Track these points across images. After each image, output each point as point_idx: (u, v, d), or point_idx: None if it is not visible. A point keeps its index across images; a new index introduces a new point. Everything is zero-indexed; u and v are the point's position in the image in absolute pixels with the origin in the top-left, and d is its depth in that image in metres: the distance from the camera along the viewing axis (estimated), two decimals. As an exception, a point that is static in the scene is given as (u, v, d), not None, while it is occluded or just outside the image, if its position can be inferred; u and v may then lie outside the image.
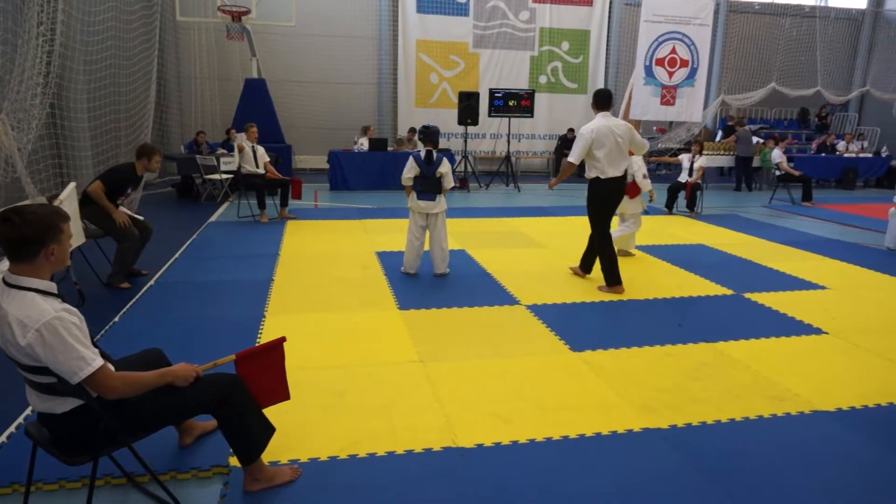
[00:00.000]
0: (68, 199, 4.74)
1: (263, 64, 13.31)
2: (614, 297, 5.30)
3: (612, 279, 5.43)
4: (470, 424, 3.10)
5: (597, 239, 5.58)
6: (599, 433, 3.04)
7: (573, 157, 5.29)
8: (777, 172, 12.03)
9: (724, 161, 14.30)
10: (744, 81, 16.57)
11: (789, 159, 12.56)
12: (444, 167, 5.68)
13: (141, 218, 5.63)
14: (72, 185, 4.81)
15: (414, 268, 5.88)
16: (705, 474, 2.72)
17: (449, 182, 5.74)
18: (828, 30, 17.01)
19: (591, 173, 5.37)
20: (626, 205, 6.51)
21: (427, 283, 5.67)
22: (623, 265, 5.79)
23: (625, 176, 5.40)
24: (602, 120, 5.26)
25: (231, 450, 2.52)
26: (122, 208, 5.42)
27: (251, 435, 2.45)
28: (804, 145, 16.57)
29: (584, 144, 5.22)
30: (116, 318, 4.54)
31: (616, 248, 5.92)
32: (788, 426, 3.17)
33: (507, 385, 3.57)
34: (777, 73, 16.38)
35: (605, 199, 5.40)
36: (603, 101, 5.33)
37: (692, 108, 14.22)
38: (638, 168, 6.65)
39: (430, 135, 5.75)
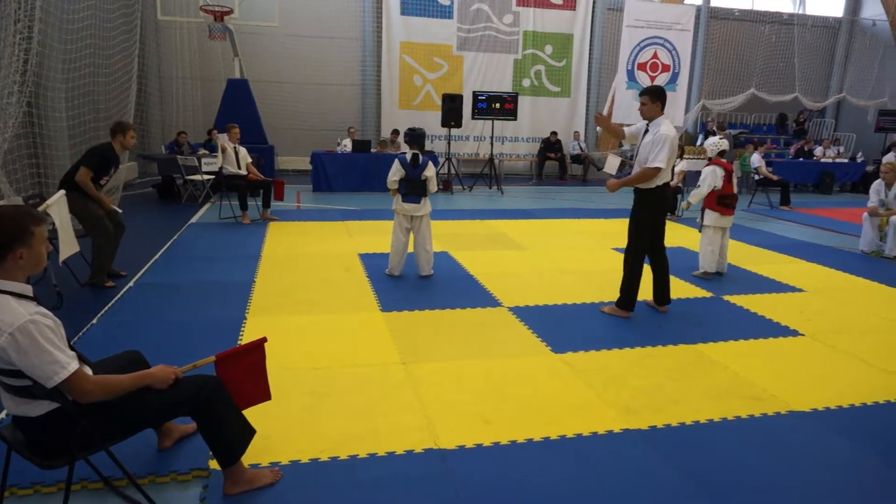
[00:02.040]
0: (57, 205, 4.64)
1: (246, 64, 13.22)
2: (595, 300, 5.33)
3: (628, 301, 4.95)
4: (451, 425, 3.10)
5: (632, 258, 4.89)
6: (580, 434, 3.07)
7: (663, 164, 4.57)
8: (756, 177, 12.20)
9: (703, 165, 14.46)
10: (724, 86, 16.80)
11: (768, 164, 12.75)
12: (430, 171, 5.69)
13: (119, 210, 5.56)
14: (61, 192, 4.66)
15: (398, 270, 5.88)
16: (685, 474, 2.76)
17: (433, 185, 5.76)
18: (805, 37, 17.32)
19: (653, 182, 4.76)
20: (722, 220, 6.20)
21: (410, 285, 5.67)
22: (607, 266, 5.83)
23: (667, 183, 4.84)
24: (668, 122, 4.74)
25: (211, 452, 2.50)
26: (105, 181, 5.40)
27: (231, 437, 2.43)
28: (783, 150, 16.84)
29: (673, 147, 4.63)
30: (95, 320, 4.47)
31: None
32: (766, 426, 3.22)
33: (489, 386, 3.58)
34: (756, 79, 16.64)
35: (656, 208, 4.82)
36: (665, 98, 4.77)
37: (673, 113, 14.38)
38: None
39: (416, 137, 5.75)
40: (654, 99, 4.69)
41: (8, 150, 6.56)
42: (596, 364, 3.95)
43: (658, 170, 4.60)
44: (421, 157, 5.69)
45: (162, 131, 14.00)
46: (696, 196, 6.26)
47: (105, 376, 2.18)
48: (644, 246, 4.87)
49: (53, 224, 4.45)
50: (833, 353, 4.30)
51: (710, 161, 6.29)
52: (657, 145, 4.58)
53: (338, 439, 2.94)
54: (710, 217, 6.19)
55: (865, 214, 7.65)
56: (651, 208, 4.78)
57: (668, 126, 4.64)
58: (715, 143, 6.33)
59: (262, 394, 2.65)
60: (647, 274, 4.96)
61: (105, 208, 5.35)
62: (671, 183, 9.87)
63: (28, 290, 2.07)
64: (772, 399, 3.53)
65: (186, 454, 2.78)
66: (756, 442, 3.06)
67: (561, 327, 4.64)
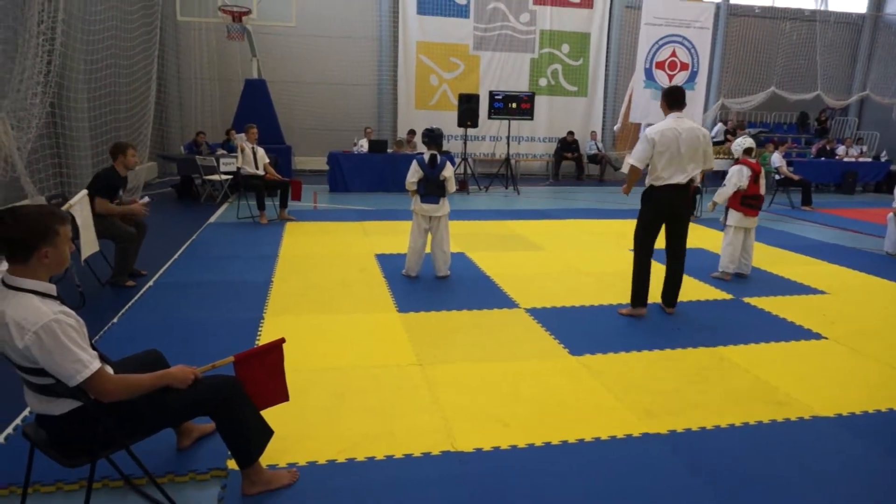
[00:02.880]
0: (80, 205, 4.70)
1: (264, 64, 13.30)
2: (613, 301, 5.29)
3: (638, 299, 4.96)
4: (469, 428, 3.09)
5: (635, 256, 4.92)
6: (599, 438, 3.04)
7: (634, 160, 4.73)
8: (777, 177, 12.04)
9: (723, 164, 14.31)
10: (743, 85, 16.59)
11: (789, 163, 12.56)
12: (448, 171, 5.69)
13: (144, 210, 5.63)
14: (83, 192, 4.70)
15: (415, 270, 5.88)
16: (705, 479, 2.72)
17: (452, 186, 5.75)
18: (828, 34, 17.04)
19: (647, 179, 4.79)
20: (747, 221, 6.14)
21: (426, 286, 5.66)
22: (625, 267, 5.78)
23: (684, 186, 4.68)
24: (671, 122, 4.67)
25: (229, 452, 2.51)
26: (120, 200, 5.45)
27: (249, 437, 2.44)
28: (804, 149, 16.60)
29: (646, 148, 4.64)
30: (115, 319, 4.53)
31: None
32: (789, 431, 3.17)
33: (506, 389, 3.56)
34: (777, 77, 16.41)
35: (655, 210, 4.77)
36: (674, 99, 4.71)
37: (692, 111, 14.22)
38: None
39: (434, 138, 5.75)
40: (662, 98, 4.80)
41: (31, 150, 6.66)
42: (614, 367, 3.92)
43: (631, 167, 4.74)
44: (439, 157, 5.68)
45: (181, 131, 14.15)
46: (720, 195, 6.18)
47: (125, 375, 2.20)
48: (643, 244, 4.87)
49: (76, 223, 4.52)
50: (857, 357, 4.22)
51: (737, 160, 6.20)
52: (637, 143, 4.70)
53: (355, 440, 2.94)
54: (734, 217, 6.12)
55: (890, 215, 7.51)
56: (644, 208, 4.83)
57: (657, 125, 4.69)
58: (741, 142, 6.26)
59: (281, 395, 2.66)
60: (660, 274, 4.90)
61: (138, 218, 5.48)
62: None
63: (52, 289, 2.09)
64: (794, 403, 3.47)
65: (205, 454, 2.80)
66: (779, 447, 3.01)
67: (578, 329, 4.61)
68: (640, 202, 4.87)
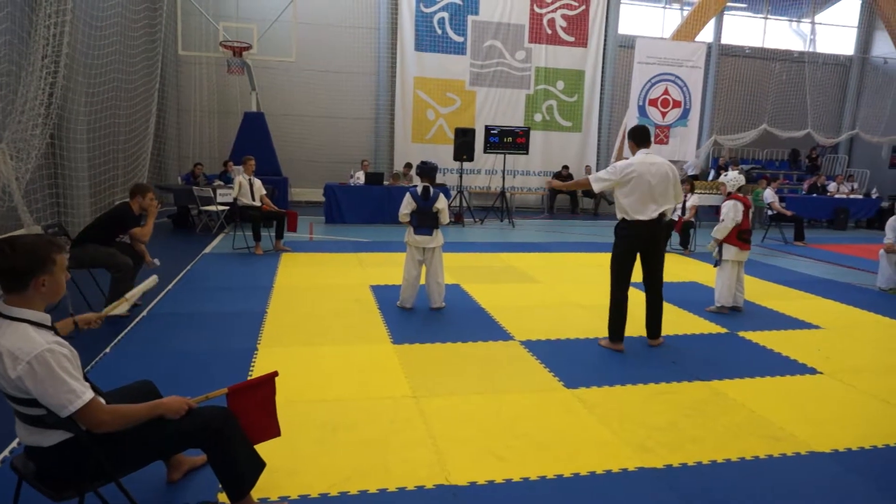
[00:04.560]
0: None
1: (263, 98, 13.49)
2: (607, 335, 5.27)
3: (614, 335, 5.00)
4: (463, 461, 3.06)
5: (611, 294, 4.95)
6: (594, 472, 3.01)
7: (595, 182, 4.86)
8: (769, 212, 12.16)
9: (716, 200, 14.47)
10: (736, 122, 16.89)
11: (781, 199, 12.71)
12: (441, 203, 5.74)
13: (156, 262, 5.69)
14: (153, 278, 3.36)
15: (410, 302, 5.88)
16: (701, 516, 2.69)
17: (445, 217, 5.80)
18: (816, 74, 17.43)
19: (617, 214, 4.91)
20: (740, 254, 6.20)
21: (421, 318, 5.65)
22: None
23: (655, 221, 4.77)
24: (641, 157, 4.81)
25: (220, 485, 2.47)
26: (122, 238, 5.48)
27: (241, 470, 2.41)
28: (796, 185, 16.80)
29: (609, 178, 4.79)
30: (108, 350, 4.49)
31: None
32: (785, 467, 3.15)
33: (501, 421, 3.53)
34: (768, 115, 16.72)
35: (628, 243, 4.83)
36: (642, 137, 4.90)
37: (685, 148, 14.46)
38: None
39: (426, 170, 5.84)
40: (629, 138, 5.01)
41: (29, 180, 6.70)
42: (610, 400, 3.90)
43: (589, 181, 4.94)
44: (432, 189, 5.74)
45: (178, 162, 14.26)
46: (720, 231, 6.24)
47: (118, 406, 2.18)
48: (618, 278, 4.91)
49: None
50: (852, 392, 4.21)
51: (730, 196, 6.29)
52: (606, 169, 4.94)
53: (348, 474, 2.90)
54: (730, 252, 6.18)
55: (882, 251, 7.58)
56: (617, 241, 4.91)
57: (628, 160, 4.84)
58: (735, 177, 6.38)
59: (272, 429, 2.64)
60: (631, 300, 4.91)
61: (140, 252, 5.57)
62: (682, 217, 9.95)
63: (47, 319, 2.09)
64: (790, 439, 3.45)
65: (196, 487, 2.75)
66: (776, 483, 2.98)
67: (574, 362, 4.60)
68: (614, 235, 4.93)
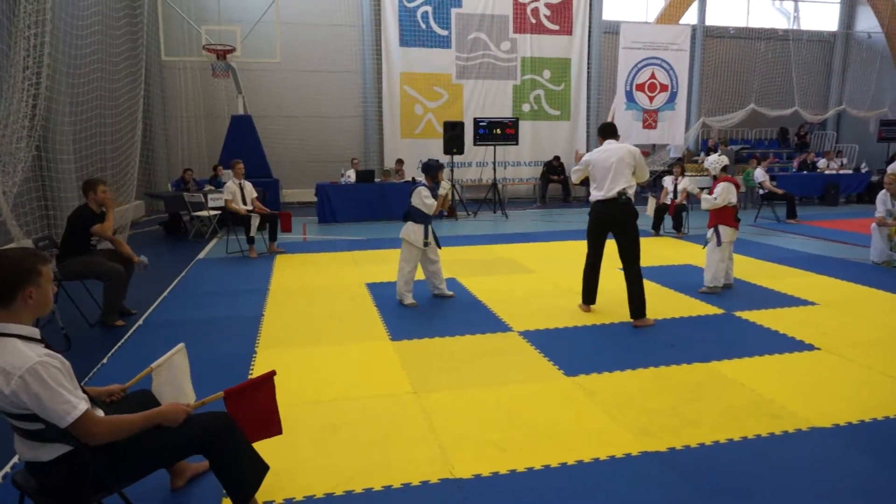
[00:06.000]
0: (173, 364, 2.90)
1: (249, 100, 13.41)
2: (606, 321, 5.30)
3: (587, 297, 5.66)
4: (466, 454, 3.06)
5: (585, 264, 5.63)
6: (597, 458, 3.01)
7: (572, 174, 5.74)
8: (761, 191, 12.19)
9: (706, 182, 14.50)
10: (723, 103, 16.92)
11: (772, 178, 12.75)
12: (414, 197, 5.87)
13: (141, 261, 5.61)
14: (180, 345, 3.03)
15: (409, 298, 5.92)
16: (707, 497, 2.70)
17: (427, 209, 5.92)
18: (801, 51, 17.47)
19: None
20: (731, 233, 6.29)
21: (418, 313, 5.65)
22: (613, 287, 5.80)
23: (613, 200, 5.17)
24: (604, 145, 5.39)
25: (224, 490, 2.46)
26: (102, 245, 5.42)
27: (244, 474, 2.40)
28: (786, 164, 16.86)
29: (580, 168, 5.50)
30: (105, 360, 4.47)
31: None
32: (787, 444, 3.16)
33: (503, 413, 3.53)
34: (755, 95, 16.75)
35: (593, 219, 5.45)
36: (605, 131, 5.52)
37: (674, 131, 14.49)
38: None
39: (428, 169, 5.95)
40: (598, 133, 5.62)
41: (17, 193, 6.64)
42: (609, 386, 3.91)
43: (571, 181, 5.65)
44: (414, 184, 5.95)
45: (168, 169, 14.18)
46: (708, 203, 6.25)
47: (114, 417, 2.17)
48: (588, 249, 5.55)
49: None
50: (851, 367, 4.23)
51: (718, 178, 6.30)
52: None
53: (351, 472, 2.90)
54: (727, 233, 6.20)
55: (874, 225, 7.61)
56: (589, 219, 5.51)
57: (592, 151, 5.48)
58: (716, 160, 6.38)
59: (274, 428, 2.63)
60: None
61: (124, 253, 5.48)
62: (675, 201, 9.96)
63: (36, 332, 2.07)
64: (791, 416, 3.46)
65: (200, 493, 2.75)
66: (778, 461, 2.99)
67: (572, 350, 4.60)
68: None
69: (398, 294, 5.93)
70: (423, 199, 5.76)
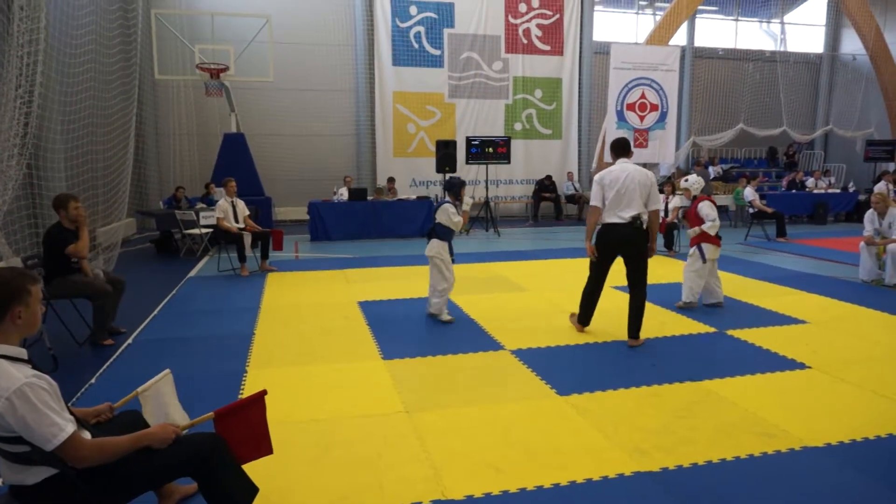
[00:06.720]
0: (158, 390, 2.84)
1: (242, 118, 13.44)
2: (598, 340, 5.29)
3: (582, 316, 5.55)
4: (459, 475, 3.03)
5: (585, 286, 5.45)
6: (590, 479, 2.99)
7: (593, 200, 5.18)
8: (751, 210, 12.30)
9: (680, 202, 14.60)
10: (713, 123, 17.12)
11: (761, 197, 12.87)
12: (440, 213, 5.93)
13: (99, 273, 5.52)
14: (166, 371, 3.00)
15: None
16: (700, 517, 2.68)
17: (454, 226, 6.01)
18: (789, 73, 17.74)
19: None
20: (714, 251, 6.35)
21: (410, 332, 5.62)
22: (606, 306, 5.81)
23: (628, 224, 4.97)
24: (618, 166, 5.12)
25: (213, 513, 2.42)
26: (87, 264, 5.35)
27: (233, 497, 2.37)
28: (775, 183, 17.03)
29: (597, 189, 5.14)
30: (93, 380, 4.42)
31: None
32: (779, 463, 3.16)
33: (495, 432, 3.51)
34: (744, 115, 16.97)
35: (602, 243, 5.18)
36: (620, 148, 5.22)
37: (664, 150, 14.62)
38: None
39: (451, 186, 6.03)
40: (610, 150, 5.31)
41: (7, 211, 6.60)
42: (602, 405, 3.89)
43: (591, 208, 5.19)
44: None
45: (160, 187, 14.13)
46: (714, 228, 6.31)
47: (102, 439, 2.14)
48: (591, 273, 5.40)
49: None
50: (842, 385, 4.24)
51: (698, 198, 6.44)
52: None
53: (343, 493, 2.86)
54: (710, 251, 6.26)
55: (862, 244, 7.68)
56: (596, 241, 5.25)
57: (606, 170, 5.16)
58: (695, 181, 6.56)
59: (264, 448, 2.60)
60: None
61: (88, 274, 5.27)
62: (666, 219, 10.03)
63: (23, 353, 2.05)
64: (784, 435, 3.46)
65: (187, 516, 2.70)
66: (771, 480, 2.99)
67: (564, 369, 4.59)
68: None
69: (434, 309, 5.95)
70: (450, 215, 5.80)
